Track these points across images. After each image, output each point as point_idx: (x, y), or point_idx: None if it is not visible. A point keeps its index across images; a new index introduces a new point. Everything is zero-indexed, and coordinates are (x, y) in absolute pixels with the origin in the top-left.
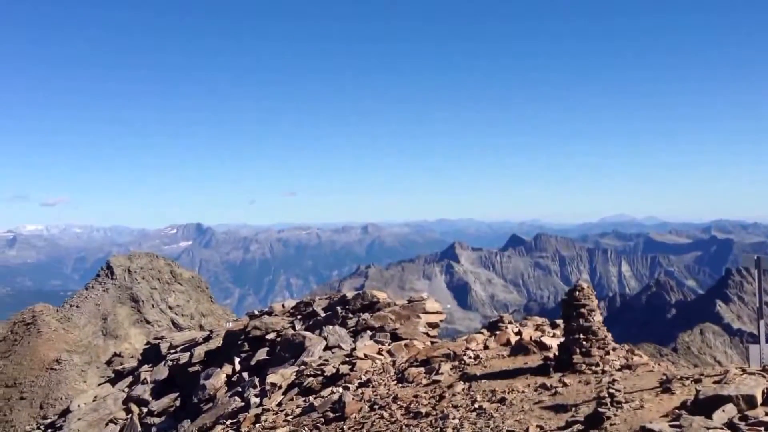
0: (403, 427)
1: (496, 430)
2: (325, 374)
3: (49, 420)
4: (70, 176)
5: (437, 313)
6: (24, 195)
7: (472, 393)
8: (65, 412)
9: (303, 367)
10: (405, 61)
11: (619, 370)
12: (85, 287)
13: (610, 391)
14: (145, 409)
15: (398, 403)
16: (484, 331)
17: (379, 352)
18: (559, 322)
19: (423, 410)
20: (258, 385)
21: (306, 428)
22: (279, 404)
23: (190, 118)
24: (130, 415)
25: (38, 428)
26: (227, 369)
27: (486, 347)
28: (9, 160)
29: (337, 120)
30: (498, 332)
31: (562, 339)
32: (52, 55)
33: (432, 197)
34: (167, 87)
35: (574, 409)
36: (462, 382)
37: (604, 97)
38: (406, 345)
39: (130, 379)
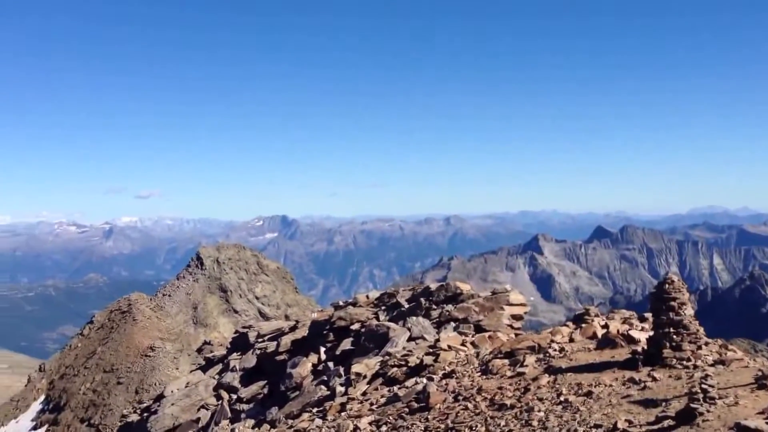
0: (488, 418)
1: (583, 424)
2: (409, 365)
3: (145, 404)
4: (163, 170)
5: (521, 305)
6: (119, 188)
7: (557, 386)
8: (159, 397)
9: (387, 357)
10: (488, 55)
11: (711, 365)
12: (176, 277)
13: (703, 386)
14: (234, 396)
15: (482, 394)
16: (570, 323)
17: (463, 344)
18: (648, 315)
19: (508, 402)
20: (343, 374)
21: (391, 417)
22: (364, 393)
23: (277, 112)
24: (220, 402)
25: (134, 412)
26: (313, 358)
27: (572, 340)
28: (106, 154)
29: (420, 112)
30: (584, 325)
31: (651, 333)
32: (144, 52)
33: (515, 189)
34: (254, 84)
35: (664, 404)
36: (547, 375)
37: (697, 84)
38: (489, 337)
39: (219, 366)
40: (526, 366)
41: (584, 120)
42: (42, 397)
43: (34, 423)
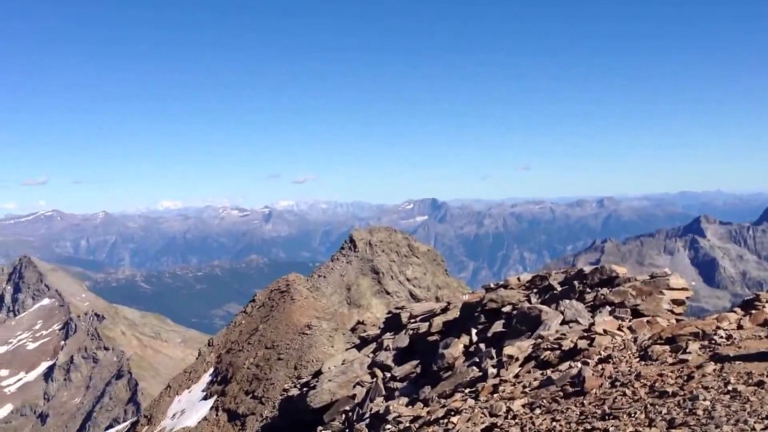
0: (648, 405)
1: (754, 415)
2: (563, 348)
3: (304, 380)
4: (317, 156)
5: (683, 289)
6: (277, 174)
7: (724, 374)
8: (317, 373)
9: (539, 340)
10: (652, 22)
11: None
12: (330, 259)
13: None
14: (388, 374)
15: (641, 380)
16: (737, 309)
17: (619, 328)
18: None
19: (669, 390)
20: (495, 356)
21: (544, 401)
22: (516, 376)
23: (428, 97)
24: (374, 379)
25: (294, 387)
26: (464, 339)
27: (740, 327)
28: (266, 143)
29: (570, 94)
30: (754, 311)
31: None
32: (291, 45)
33: (674, 168)
34: (407, 71)
35: None
36: (713, 363)
37: None
38: (648, 322)
39: (373, 345)
40: (689, 353)
41: (745, 92)
42: (211, 370)
43: (205, 393)
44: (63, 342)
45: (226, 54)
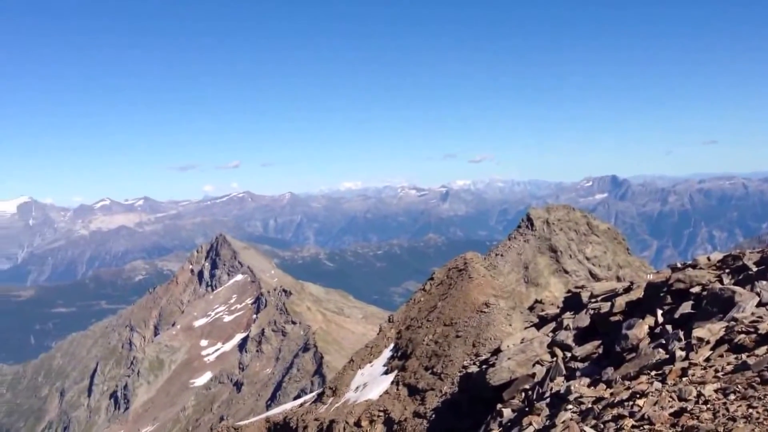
0: None
1: None
2: (759, 332)
3: (482, 357)
4: (494, 135)
5: None
6: (453, 154)
7: None
8: (496, 351)
9: (733, 323)
10: None
11: None
12: (507, 237)
13: None
14: (568, 354)
15: None
16: None
17: None
18: None
19: None
20: (683, 338)
21: (739, 386)
22: (707, 359)
23: (602, 72)
24: (554, 359)
25: (473, 364)
26: (649, 320)
27: None
28: (441, 122)
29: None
30: None
31: None
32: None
33: None
34: (578, 47)
35: None
36: None
37: None
38: None
39: (552, 325)
40: None
41: None
42: (391, 345)
43: (385, 368)
44: (255, 315)
45: (408, 35)
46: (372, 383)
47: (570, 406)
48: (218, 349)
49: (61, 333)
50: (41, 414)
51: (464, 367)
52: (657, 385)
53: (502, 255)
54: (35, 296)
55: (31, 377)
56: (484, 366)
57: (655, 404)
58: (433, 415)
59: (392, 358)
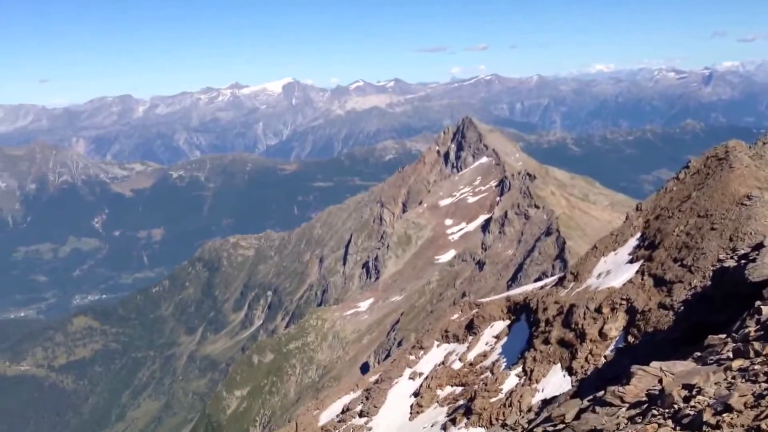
0: None
1: None
2: None
3: (741, 252)
4: None
5: None
6: (722, 32)
7: None
8: (758, 246)
9: None
10: None
11: None
12: None
13: None
14: None
15: None
16: None
17: None
18: None
19: None
20: None
21: None
22: None
23: None
24: None
25: (730, 258)
26: None
27: None
28: None
29: None
30: None
31: None
32: None
33: None
34: None
35: None
36: None
37: None
38: None
39: None
40: None
41: None
42: (638, 234)
43: (630, 257)
44: (498, 198)
45: None
46: (615, 271)
47: None
48: (462, 229)
49: (320, 205)
50: (303, 277)
51: (720, 260)
52: None
53: None
54: (298, 170)
55: (294, 244)
56: (742, 261)
57: None
58: (681, 308)
59: (638, 247)
